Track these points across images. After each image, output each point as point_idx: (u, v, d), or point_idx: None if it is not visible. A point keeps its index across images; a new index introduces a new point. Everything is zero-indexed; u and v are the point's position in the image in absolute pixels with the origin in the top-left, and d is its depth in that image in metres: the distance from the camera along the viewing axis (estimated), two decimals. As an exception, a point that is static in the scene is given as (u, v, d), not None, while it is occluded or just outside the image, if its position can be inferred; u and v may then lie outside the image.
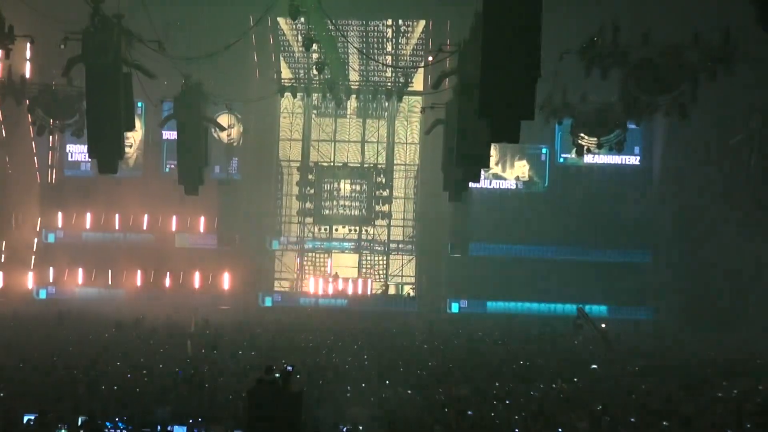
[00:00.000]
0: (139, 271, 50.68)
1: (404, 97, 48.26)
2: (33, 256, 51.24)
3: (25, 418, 17.62)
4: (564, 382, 25.60)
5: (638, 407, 21.72)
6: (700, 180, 46.28)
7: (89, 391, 21.09)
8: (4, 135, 47.73)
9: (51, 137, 45.45)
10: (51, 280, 50.71)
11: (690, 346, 36.04)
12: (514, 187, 51.92)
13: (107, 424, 17.55)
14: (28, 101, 34.97)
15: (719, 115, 37.60)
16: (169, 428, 17.66)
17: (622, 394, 23.76)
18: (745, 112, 39.63)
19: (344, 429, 17.78)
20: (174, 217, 50.96)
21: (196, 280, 51.05)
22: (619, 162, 49.40)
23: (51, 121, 35.27)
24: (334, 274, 52.62)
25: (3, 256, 49.72)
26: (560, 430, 18.61)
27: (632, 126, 36.52)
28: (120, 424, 17.60)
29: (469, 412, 20.48)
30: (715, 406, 22.65)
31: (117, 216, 51.24)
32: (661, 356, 32.60)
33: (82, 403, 19.28)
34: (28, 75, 37.82)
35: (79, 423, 17.52)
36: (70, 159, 52.06)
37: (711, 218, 45.24)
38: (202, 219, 51.05)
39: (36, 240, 51.61)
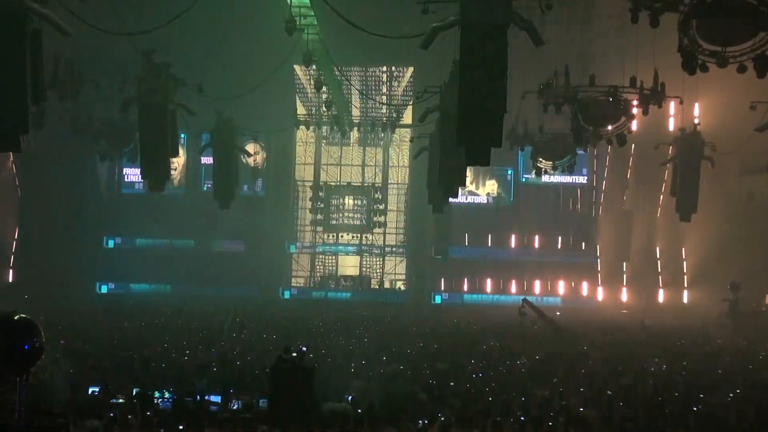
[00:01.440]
0: (182, 270, 50.55)
1: (396, 129, 48.48)
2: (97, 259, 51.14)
3: (90, 390, 17.58)
4: (527, 359, 25.58)
5: (586, 380, 21.71)
6: (633, 194, 46.53)
7: (142, 367, 21.04)
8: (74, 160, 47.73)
9: (111, 162, 45.27)
10: (111, 278, 50.63)
11: (630, 330, 36.01)
12: (485, 201, 51.96)
13: (156, 394, 17.50)
14: (93, 133, 34.99)
15: (651, 142, 37.57)
16: (206, 397, 17.61)
17: (573, 369, 23.73)
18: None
19: (349, 397, 17.73)
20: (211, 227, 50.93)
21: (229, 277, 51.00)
22: (570, 181, 49.41)
23: (111, 148, 35.26)
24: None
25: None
26: (523, 399, 18.56)
27: (580, 152, 36.60)
28: (166, 394, 17.56)
29: (451, 383, 20.45)
30: (649, 378, 22.66)
31: (163, 226, 51.17)
32: (604, 338, 32.57)
33: (136, 377, 19.23)
34: (93, 111, 37.80)
35: (134, 393, 17.47)
36: (126, 180, 52.06)
37: (645, 225, 45.38)
38: (234, 228, 50.98)
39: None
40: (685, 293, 46.67)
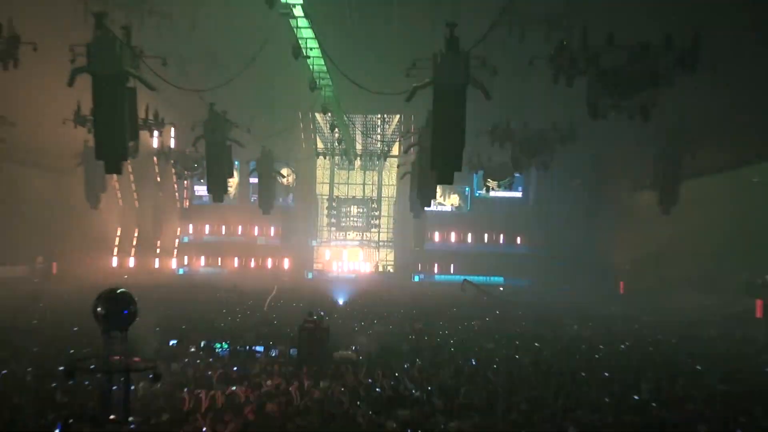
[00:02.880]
0: (235, 258, 50.64)
1: (387, 158, 48.51)
2: (175, 249, 51.11)
3: (171, 342, 17.62)
4: (479, 321, 25.65)
5: (519, 336, 21.79)
6: (554, 205, 46.59)
7: (208, 326, 21.06)
8: (158, 180, 47.61)
9: (185, 181, 45.18)
10: (185, 263, 50.58)
11: (552, 301, 36.11)
12: (450, 209, 51.98)
13: (217, 345, 17.55)
14: (172, 160, 34.93)
15: (567, 168, 37.66)
16: (253, 348, 17.65)
17: (511, 329, 23.82)
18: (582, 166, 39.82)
19: (353, 348, 17.79)
20: (256, 227, 50.90)
21: (269, 263, 51.04)
22: (510, 195, 49.46)
23: (185, 171, 35.23)
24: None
25: (159, 249, 49.65)
26: (476, 350, 18.63)
27: (517, 175, 36.66)
28: (224, 345, 17.60)
29: (425, 338, 20.51)
30: (564, 335, 22.77)
31: (222, 226, 51.21)
32: (533, 307, 32.65)
33: (204, 334, 19.24)
34: (172, 145, 37.68)
35: (201, 345, 17.50)
36: (196, 194, 51.92)
37: (562, 227, 45.45)
38: (273, 228, 50.96)
39: (177, 240, 51.49)
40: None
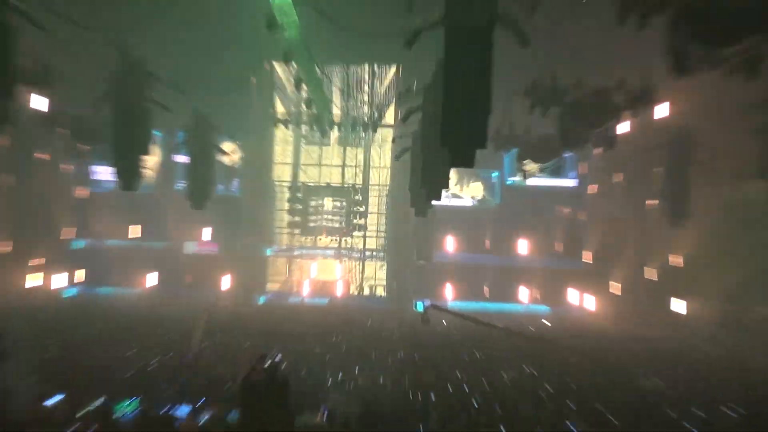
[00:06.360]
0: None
1: (378, 128, 47.86)
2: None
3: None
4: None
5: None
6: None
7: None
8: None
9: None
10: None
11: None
12: (470, 204, 51.64)
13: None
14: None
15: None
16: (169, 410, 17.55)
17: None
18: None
19: (324, 410, 17.65)
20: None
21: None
22: (558, 184, 49.25)
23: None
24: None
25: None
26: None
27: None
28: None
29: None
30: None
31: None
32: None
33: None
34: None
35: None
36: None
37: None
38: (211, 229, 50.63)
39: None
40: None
